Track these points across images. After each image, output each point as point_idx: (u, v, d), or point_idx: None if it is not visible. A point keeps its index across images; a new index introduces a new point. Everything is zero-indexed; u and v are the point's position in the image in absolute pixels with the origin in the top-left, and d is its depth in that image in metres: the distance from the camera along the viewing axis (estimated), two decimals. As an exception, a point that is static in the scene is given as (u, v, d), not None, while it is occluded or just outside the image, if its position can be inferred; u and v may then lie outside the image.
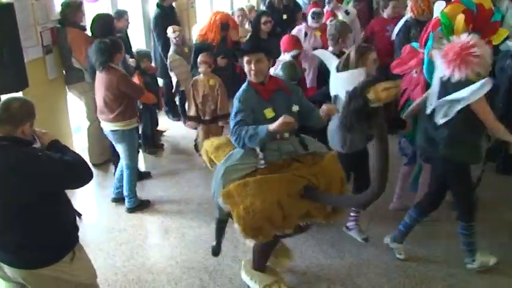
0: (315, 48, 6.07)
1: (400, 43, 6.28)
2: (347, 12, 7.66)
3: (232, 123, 3.44)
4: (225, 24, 6.42)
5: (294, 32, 6.50)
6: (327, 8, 7.77)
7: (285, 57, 5.28)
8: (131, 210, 5.27)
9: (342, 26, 5.15)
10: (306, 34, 6.49)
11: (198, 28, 7.27)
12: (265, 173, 3.36)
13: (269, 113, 3.45)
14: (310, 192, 3.30)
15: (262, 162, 3.39)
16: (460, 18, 4.07)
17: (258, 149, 3.40)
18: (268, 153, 3.41)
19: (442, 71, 3.82)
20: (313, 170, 3.40)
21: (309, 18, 6.73)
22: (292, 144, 3.51)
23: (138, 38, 8.12)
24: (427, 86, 4.43)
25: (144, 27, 8.21)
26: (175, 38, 7.01)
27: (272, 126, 3.22)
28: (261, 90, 3.52)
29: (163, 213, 5.29)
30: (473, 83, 3.60)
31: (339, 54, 5.54)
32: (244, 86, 3.58)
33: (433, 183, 4.22)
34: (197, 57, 5.85)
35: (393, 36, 6.72)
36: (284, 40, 5.44)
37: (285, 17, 8.00)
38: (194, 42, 7.24)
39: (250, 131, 3.28)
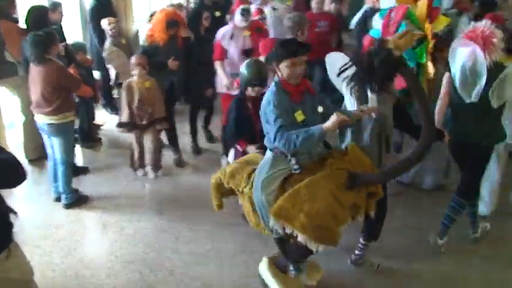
0: (245, 50, 5.77)
1: (360, 32, 6.71)
2: (274, 9, 7.55)
3: (273, 129, 3.29)
4: (171, 21, 5.91)
5: (219, 35, 5.94)
6: (253, 6, 7.62)
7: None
8: (68, 206, 5.22)
9: (300, 17, 5.01)
10: (232, 36, 5.83)
11: (146, 29, 6.79)
12: (302, 174, 3.36)
13: (299, 115, 3.37)
14: (355, 178, 3.26)
15: (296, 167, 3.39)
16: (423, 3, 4.41)
17: (289, 155, 3.39)
18: (299, 157, 3.40)
19: (463, 58, 3.90)
20: (344, 160, 3.41)
21: (237, 15, 5.98)
22: (319, 146, 3.53)
23: (75, 30, 7.96)
24: None
25: (80, 19, 8.06)
26: (110, 30, 6.88)
27: (326, 125, 3.18)
28: (292, 91, 3.40)
29: (102, 208, 5.26)
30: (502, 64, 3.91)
31: None
32: (272, 89, 3.41)
33: (469, 170, 4.29)
34: None
35: (352, 26, 7.21)
36: (266, 43, 5.24)
37: (218, 14, 7.89)
38: (141, 43, 7.06)
39: (302, 134, 3.20)
